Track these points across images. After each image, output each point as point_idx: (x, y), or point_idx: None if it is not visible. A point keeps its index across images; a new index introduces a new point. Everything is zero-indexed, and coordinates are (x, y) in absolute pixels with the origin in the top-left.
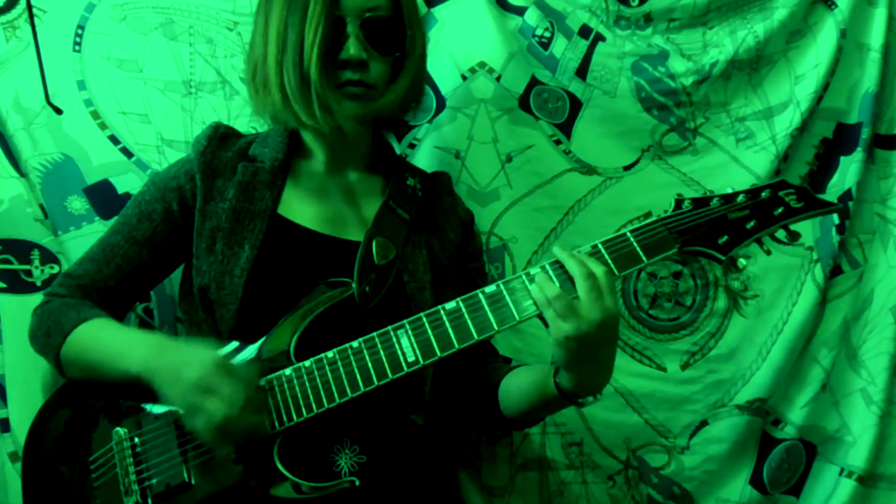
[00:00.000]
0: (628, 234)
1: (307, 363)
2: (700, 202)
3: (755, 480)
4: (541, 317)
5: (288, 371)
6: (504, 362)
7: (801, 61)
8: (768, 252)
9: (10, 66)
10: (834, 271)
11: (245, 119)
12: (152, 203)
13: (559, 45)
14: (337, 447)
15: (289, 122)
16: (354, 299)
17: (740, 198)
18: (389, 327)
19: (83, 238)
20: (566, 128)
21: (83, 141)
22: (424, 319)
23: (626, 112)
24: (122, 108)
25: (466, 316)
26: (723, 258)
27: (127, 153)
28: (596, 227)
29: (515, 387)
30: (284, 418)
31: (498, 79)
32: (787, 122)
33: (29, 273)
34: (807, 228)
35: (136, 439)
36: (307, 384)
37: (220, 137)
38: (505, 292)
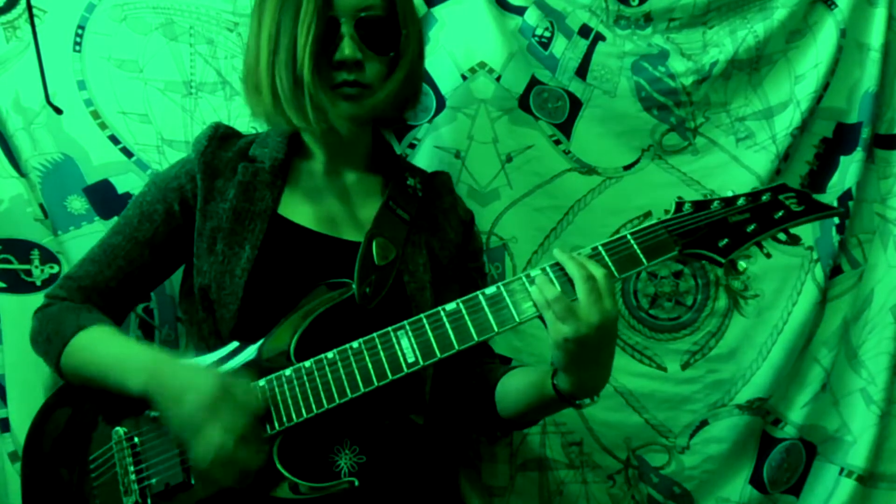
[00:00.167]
0: (628, 237)
1: (307, 364)
2: (700, 205)
3: (755, 480)
4: (541, 318)
5: (288, 371)
6: (503, 362)
7: (801, 61)
8: (768, 255)
9: (10, 66)
10: (834, 271)
11: (245, 119)
12: (153, 203)
13: (559, 45)
14: (337, 447)
15: (280, 124)
16: (354, 300)
17: (741, 201)
18: (389, 328)
19: (83, 238)
20: (566, 128)
21: (83, 141)
22: (424, 320)
23: (626, 112)
24: (122, 108)
25: (466, 317)
26: (723, 261)
27: (127, 153)
28: (596, 227)
29: (513, 388)
30: (284, 419)
31: (498, 79)
32: (787, 121)
33: (29, 273)
34: (807, 228)
35: (136, 439)
36: (307, 385)
37: (221, 138)
38: (505, 294)
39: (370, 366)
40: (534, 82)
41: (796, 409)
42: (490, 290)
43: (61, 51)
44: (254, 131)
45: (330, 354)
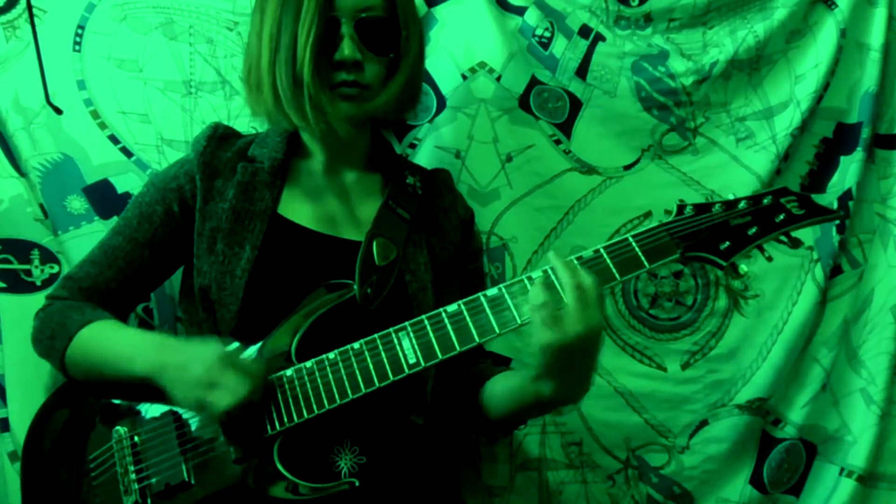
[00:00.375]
0: (630, 239)
1: (308, 364)
2: (702, 208)
3: (755, 480)
4: None
5: (289, 372)
6: (501, 362)
7: (801, 61)
8: (769, 258)
9: (10, 65)
10: (834, 271)
11: (245, 119)
12: (153, 204)
13: (559, 45)
14: (337, 448)
15: (281, 123)
16: (356, 301)
17: (742, 204)
18: (391, 329)
19: (83, 238)
20: (566, 127)
21: (83, 141)
22: (426, 321)
23: (626, 112)
24: (121, 107)
25: (468, 318)
26: (724, 264)
27: (127, 153)
28: (596, 226)
29: (498, 390)
30: (285, 419)
31: (498, 79)
32: (787, 121)
33: (29, 273)
34: (807, 229)
35: (136, 438)
36: (308, 385)
37: (220, 138)
38: (507, 296)
39: (371, 366)
40: (534, 82)
41: (796, 409)
42: (492, 291)
43: (61, 51)
44: (253, 131)
45: (331, 355)
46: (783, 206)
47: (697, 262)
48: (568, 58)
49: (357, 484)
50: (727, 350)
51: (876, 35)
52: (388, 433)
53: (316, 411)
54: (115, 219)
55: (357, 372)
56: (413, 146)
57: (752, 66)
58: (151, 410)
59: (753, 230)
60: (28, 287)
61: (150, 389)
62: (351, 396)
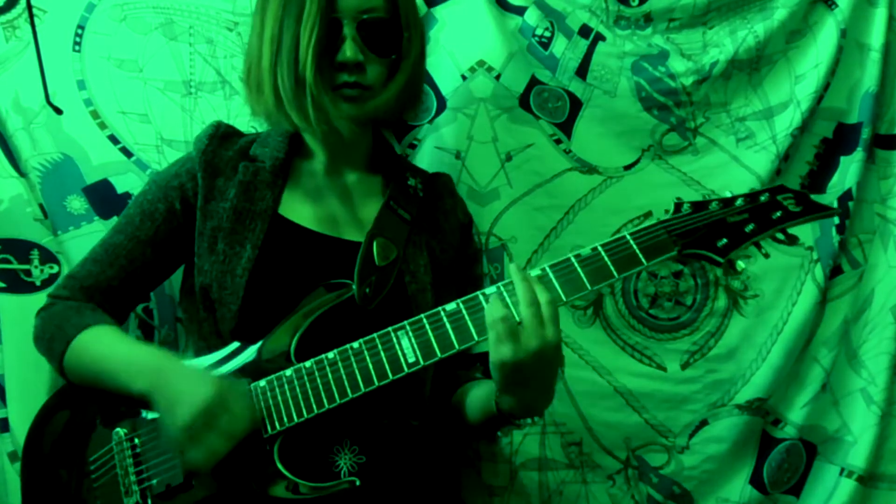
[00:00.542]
0: (628, 237)
1: (307, 364)
2: (699, 206)
3: (755, 480)
4: None
5: (288, 372)
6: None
7: (801, 61)
8: (767, 255)
9: (10, 66)
10: (834, 271)
11: (245, 119)
12: (154, 202)
13: (559, 45)
14: (336, 448)
15: (281, 123)
16: (355, 300)
17: (739, 201)
18: (390, 328)
19: (83, 238)
20: (566, 127)
21: (83, 141)
22: (425, 320)
23: (626, 112)
24: (121, 107)
25: (467, 317)
26: (721, 261)
27: (126, 153)
28: (596, 226)
29: (472, 398)
30: (285, 419)
31: (497, 77)
32: (787, 121)
33: (28, 273)
34: (807, 228)
35: (136, 440)
36: (307, 385)
37: (221, 136)
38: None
39: (371, 366)
40: (534, 82)
41: (796, 410)
42: (490, 290)
43: (61, 51)
44: (253, 131)
45: (330, 355)
46: (780, 203)
47: (695, 259)
48: (568, 57)
49: (357, 483)
50: (727, 350)
51: (876, 35)
52: (388, 433)
53: (315, 411)
54: (115, 219)
55: (356, 371)
56: (413, 146)
57: (752, 66)
58: (151, 412)
59: (750, 227)
60: (28, 287)
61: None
62: (350, 396)
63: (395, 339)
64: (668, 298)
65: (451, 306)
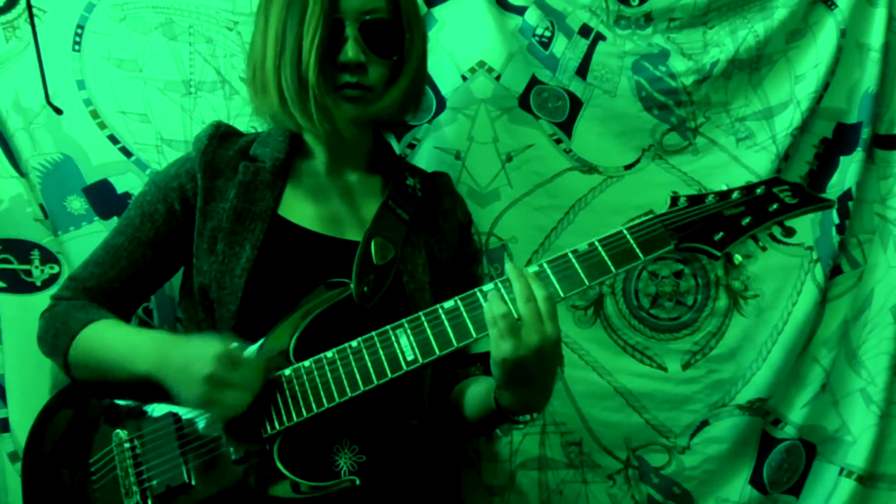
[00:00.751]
0: (625, 232)
1: (306, 363)
2: (695, 199)
3: (755, 480)
4: None
5: (287, 371)
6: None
7: (801, 61)
8: (763, 248)
9: (10, 66)
10: (834, 271)
11: (245, 119)
12: (154, 203)
13: (559, 45)
14: (336, 447)
15: (286, 124)
16: (353, 300)
17: (735, 195)
18: (388, 326)
19: (83, 238)
20: (566, 127)
21: (83, 141)
22: (423, 318)
23: (626, 111)
24: (121, 107)
25: (465, 315)
26: (719, 254)
27: (126, 153)
28: (596, 226)
29: (472, 395)
30: (284, 418)
31: (497, 78)
32: (787, 121)
33: (29, 273)
34: (806, 228)
35: (136, 441)
36: (307, 384)
37: (221, 136)
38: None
39: (369, 364)
40: (534, 82)
41: (796, 410)
42: (487, 287)
43: (61, 50)
44: (253, 131)
45: (329, 354)
46: (776, 195)
47: (691, 252)
48: (568, 57)
49: (357, 482)
50: (727, 350)
51: (876, 35)
52: (387, 432)
53: (315, 410)
54: (115, 219)
55: (355, 370)
56: (412, 146)
57: (752, 66)
58: (152, 412)
59: (747, 220)
60: (28, 287)
61: (153, 389)
62: (350, 395)
63: (393, 338)
64: (668, 298)
65: (449, 304)
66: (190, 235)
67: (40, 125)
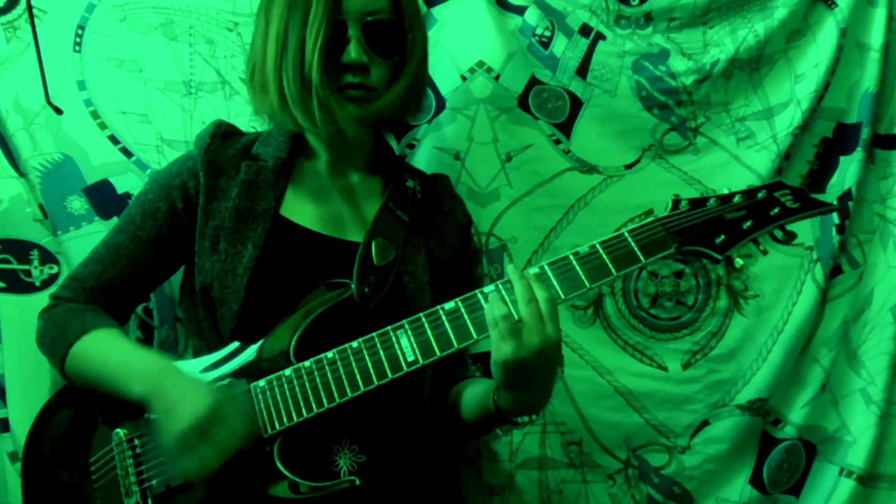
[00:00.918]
0: (626, 235)
1: (307, 363)
2: (697, 202)
3: (755, 480)
4: None
5: (288, 371)
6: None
7: (801, 61)
8: (765, 252)
9: (10, 66)
10: (834, 271)
11: (245, 119)
12: (156, 202)
13: (559, 45)
14: (336, 447)
15: (286, 124)
16: (354, 300)
17: (737, 198)
18: (389, 327)
19: (83, 238)
20: (566, 127)
21: (83, 141)
22: (423, 319)
23: (626, 111)
24: (121, 108)
25: (465, 316)
26: (720, 258)
27: (127, 153)
28: (596, 226)
29: (470, 396)
30: (284, 418)
31: (497, 78)
32: (787, 121)
33: (28, 273)
34: (806, 228)
35: (136, 441)
36: (307, 384)
37: (223, 135)
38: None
39: (370, 365)
40: (533, 82)
41: (796, 410)
42: (488, 288)
43: (61, 51)
44: (254, 130)
45: (329, 354)
46: (778, 199)
47: (693, 255)
48: (568, 57)
49: (357, 483)
50: (728, 350)
51: (876, 35)
52: (387, 432)
53: (315, 410)
54: (115, 219)
55: (356, 370)
56: (411, 146)
57: (752, 66)
58: (151, 413)
59: (748, 224)
60: (27, 287)
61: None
62: (350, 395)
63: (394, 339)
64: (668, 298)
65: (449, 305)
66: (191, 234)
67: (40, 125)
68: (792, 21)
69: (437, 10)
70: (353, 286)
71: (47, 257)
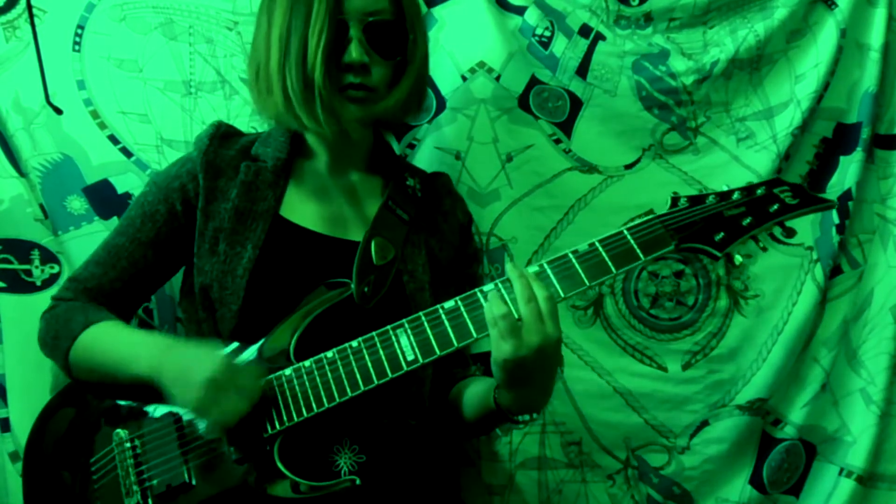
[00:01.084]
0: (625, 232)
1: (307, 363)
2: (696, 200)
3: (755, 480)
4: None
5: (288, 371)
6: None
7: (801, 61)
8: (764, 249)
9: (10, 66)
10: (834, 271)
11: (245, 119)
12: (155, 204)
13: (559, 45)
14: (336, 447)
15: (290, 124)
16: (353, 300)
17: (736, 195)
18: (388, 326)
19: (83, 238)
20: (566, 127)
21: (83, 141)
22: (423, 318)
23: (626, 111)
24: (121, 107)
25: (465, 314)
26: (719, 255)
27: (126, 153)
28: (596, 226)
29: (471, 394)
30: (284, 418)
31: (497, 78)
32: (787, 121)
33: (29, 273)
34: (806, 229)
35: (137, 441)
36: (307, 384)
37: (223, 136)
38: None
39: (370, 364)
40: (534, 82)
41: (796, 410)
42: (488, 287)
43: (61, 51)
44: (254, 131)
45: (329, 354)
46: (777, 196)
47: (692, 253)
48: (568, 57)
49: (357, 482)
50: (728, 350)
51: (876, 35)
52: (388, 432)
53: (315, 410)
54: (115, 219)
55: (356, 370)
56: (412, 146)
57: (752, 66)
58: (153, 412)
59: (748, 220)
60: (28, 287)
61: (153, 390)
62: (350, 395)
63: (393, 338)
64: (669, 298)
65: (449, 304)
66: (191, 235)
67: (40, 125)
68: (792, 21)
69: (437, 10)
70: (352, 286)
71: (48, 257)
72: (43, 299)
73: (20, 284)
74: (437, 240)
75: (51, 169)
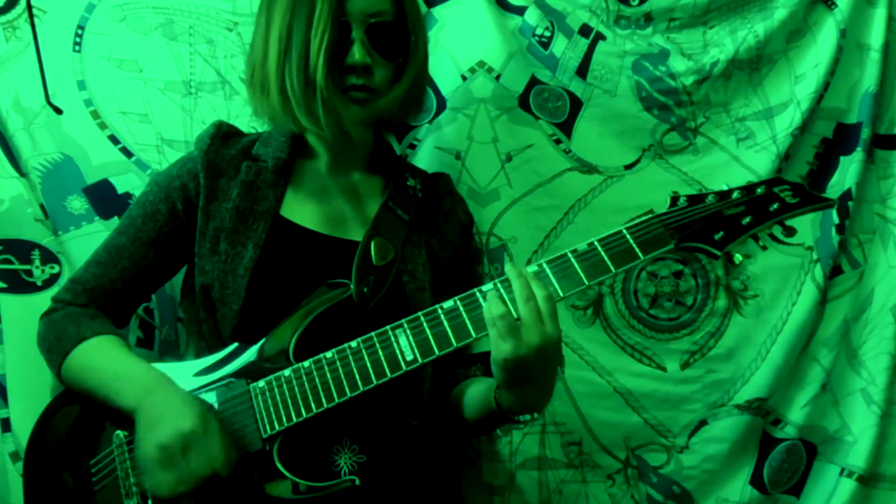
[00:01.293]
0: (624, 231)
1: (306, 364)
2: (696, 199)
3: (755, 480)
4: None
5: (287, 372)
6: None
7: (801, 61)
8: (764, 248)
9: (10, 66)
10: (834, 271)
11: (245, 119)
12: (156, 203)
13: (559, 45)
14: (336, 447)
15: (286, 125)
16: (353, 300)
17: (735, 194)
18: (388, 327)
19: (83, 238)
20: (566, 127)
21: (83, 141)
22: (422, 318)
23: (626, 111)
24: (121, 107)
25: (464, 314)
26: (719, 254)
27: (127, 153)
28: (596, 226)
29: (472, 395)
30: (284, 419)
31: (497, 78)
32: (787, 121)
33: (29, 273)
34: (806, 228)
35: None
36: (306, 384)
37: (223, 136)
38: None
39: (369, 365)
40: (534, 82)
41: (796, 410)
42: (487, 286)
43: (61, 51)
44: (254, 131)
45: (329, 354)
46: (777, 195)
47: (691, 252)
48: (568, 57)
49: (357, 482)
50: (726, 350)
51: (876, 35)
52: (387, 432)
53: (315, 410)
54: (115, 219)
55: (355, 371)
56: (412, 146)
57: (752, 66)
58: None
59: (747, 219)
60: (29, 287)
61: None
62: (349, 395)
63: (392, 338)
64: (668, 298)
65: (448, 304)
66: (192, 235)
67: (40, 125)
68: (792, 21)
69: (437, 11)
70: (352, 286)
71: (48, 257)
72: (43, 299)
73: (21, 285)
74: (437, 239)
75: (51, 169)
